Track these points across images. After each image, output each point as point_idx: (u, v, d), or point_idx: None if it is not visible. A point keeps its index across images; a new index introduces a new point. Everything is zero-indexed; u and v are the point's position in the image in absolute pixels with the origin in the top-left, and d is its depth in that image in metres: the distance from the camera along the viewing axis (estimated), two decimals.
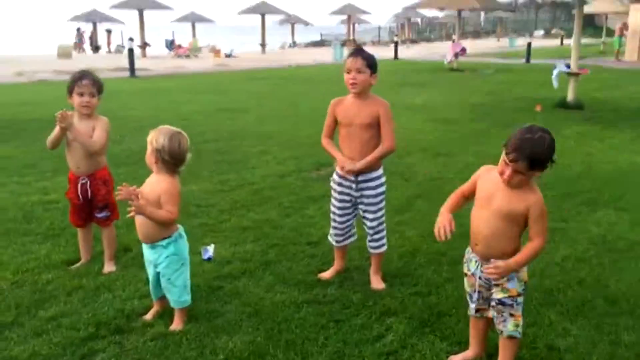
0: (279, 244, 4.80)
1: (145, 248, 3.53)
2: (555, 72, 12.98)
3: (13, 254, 4.54)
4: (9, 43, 46.99)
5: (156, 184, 3.35)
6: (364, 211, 4.03)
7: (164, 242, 3.41)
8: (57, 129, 4.04)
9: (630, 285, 4.08)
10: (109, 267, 4.29)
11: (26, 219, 5.33)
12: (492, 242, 2.86)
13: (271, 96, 14.52)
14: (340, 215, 4.10)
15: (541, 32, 57.89)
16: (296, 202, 5.89)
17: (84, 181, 4.19)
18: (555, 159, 2.77)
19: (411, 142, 8.54)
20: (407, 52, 34.36)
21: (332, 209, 4.13)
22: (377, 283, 4.08)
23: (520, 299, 2.92)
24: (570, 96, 12.60)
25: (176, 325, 3.51)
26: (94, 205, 4.25)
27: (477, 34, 58.17)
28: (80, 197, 4.21)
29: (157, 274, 3.51)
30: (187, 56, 31.07)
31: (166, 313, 3.62)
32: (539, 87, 15.78)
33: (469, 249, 3.05)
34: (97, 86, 4.11)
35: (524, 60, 26.24)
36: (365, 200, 3.99)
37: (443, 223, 2.90)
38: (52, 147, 4.18)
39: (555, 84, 13.06)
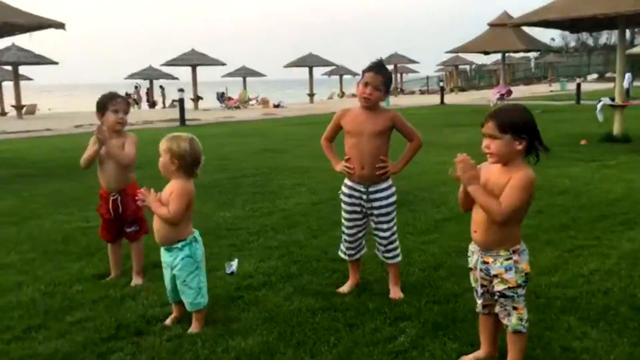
0: (302, 260, 4.87)
1: (162, 252, 3.68)
2: (599, 105, 12.78)
3: (48, 270, 4.78)
4: (71, 100, 49.66)
5: (170, 187, 3.52)
6: (377, 222, 4.07)
7: (179, 245, 3.56)
8: (91, 147, 4.31)
9: None
10: (136, 280, 4.45)
11: (65, 242, 5.60)
12: (487, 228, 2.86)
13: (312, 139, 14.67)
14: (350, 228, 4.14)
15: (595, 76, 56.93)
16: (325, 225, 5.96)
17: (114, 197, 4.41)
18: (548, 148, 2.80)
19: (445, 174, 8.48)
20: (455, 98, 34.41)
21: (343, 222, 4.18)
22: (395, 293, 4.07)
23: (520, 291, 2.88)
24: (616, 130, 12.34)
25: (194, 328, 3.60)
26: (124, 219, 4.45)
27: (528, 80, 57.72)
28: (112, 212, 4.43)
29: (173, 277, 3.63)
30: (237, 107, 32.06)
31: (185, 319, 3.72)
32: (586, 124, 15.48)
33: (472, 242, 3.05)
34: (129, 105, 4.41)
35: (574, 101, 25.86)
36: (376, 212, 4.02)
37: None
38: (86, 166, 4.42)
39: (600, 117, 12.84)
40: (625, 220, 5.87)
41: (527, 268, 2.90)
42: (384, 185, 4.02)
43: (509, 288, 2.87)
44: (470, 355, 3.16)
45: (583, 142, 11.95)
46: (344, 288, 4.20)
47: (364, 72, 3.96)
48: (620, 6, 10.56)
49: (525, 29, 22.16)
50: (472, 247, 3.04)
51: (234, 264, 4.66)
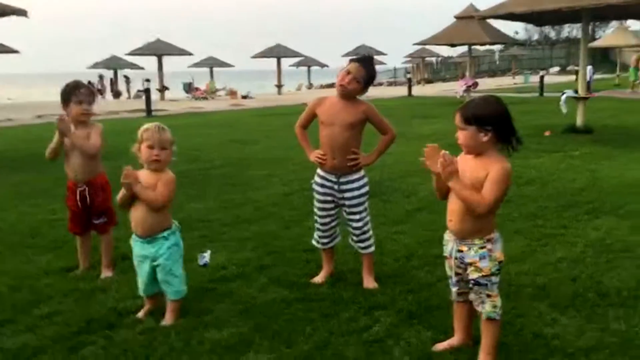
0: (276, 251, 4.85)
1: (139, 245, 3.60)
2: (563, 97, 13.06)
3: (15, 263, 4.67)
4: (32, 90, 48.49)
5: (153, 177, 3.50)
6: (349, 213, 4.08)
7: (165, 234, 3.55)
8: (55, 138, 4.20)
9: (623, 281, 4.05)
10: (106, 273, 4.37)
11: (32, 234, 5.47)
12: (462, 217, 2.90)
13: (282, 130, 14.67)
14: (322, 217, 4.15)
15: (557, 68, 57.99)
16: (297, 216, 5.96)
17: (82, 188, 4.32)
18: (519, 137, 2.85)
19: (415, 165, 8.58)
20: (422, 90, 34.65)
21: (315, 211, 4.19)
22: (369, 282, 4.09)
23: (494, 279, 2.93)
24: (579, 121, 12.59)
25: (168, 320, 3.56)
26: (92, 211, 4.36)
27: (492, 73, 58.45)
28: (79, 204, 4.33)
29: (152, 270, 3.58)
30: (205, 98, 31.71)
31: (157, 311, 3.67)
32: (550, 116, 15.74)
33: (447, 231, 3.08)
34: (93, 95, 4.29)
35: (537, 94, 26.30)
36: (348, 202, 4.04)
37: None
38: (51, 157, 4.32)
39: (563, 109, 13.10)
40: (590, 209, 6.00)
41: (501, 257, 2.95)
42: (355, 176, 4.03)
43: (483, 276, 2.91)
44: (445, 343, 3.20)
45: (547, 133, 12.16)
46: (318, 278, 4.21)
47: (350, 60, 3.96)
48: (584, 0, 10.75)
49: (491, 22, 22.43)
50: (447, 235, 3.07)
51: (207, 256, 4.62)
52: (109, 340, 3.34)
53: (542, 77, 27.63)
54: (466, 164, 2.89)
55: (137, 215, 3.55)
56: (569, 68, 55.06)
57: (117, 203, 3.62)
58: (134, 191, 3.44)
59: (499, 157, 2.86)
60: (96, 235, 4.53)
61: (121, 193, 3.52)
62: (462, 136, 2.88)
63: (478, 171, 2.84)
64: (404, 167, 8.36)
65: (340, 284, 4.10)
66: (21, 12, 10.37)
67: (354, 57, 4.04)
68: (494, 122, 2.82)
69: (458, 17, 22.24)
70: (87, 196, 4.32)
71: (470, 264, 2.93)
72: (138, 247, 3.63)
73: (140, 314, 3.68)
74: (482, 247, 2.90)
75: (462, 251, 2.96)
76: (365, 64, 3.93)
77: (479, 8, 19.54)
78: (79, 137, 4.21)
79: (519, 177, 7.58)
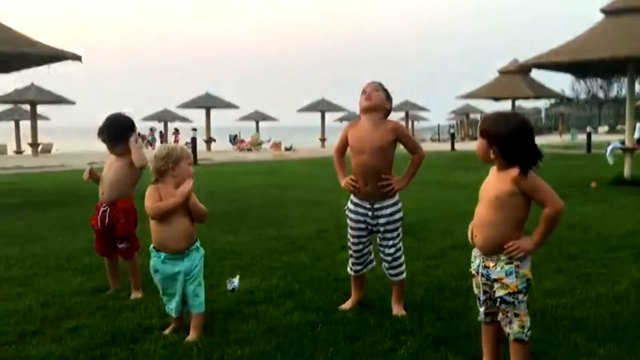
0: (305, 279, 4.80)
1: (171, 263, 3.60)
2: (609, 148, 12.77)
3: (48, 283, 4.76)
4: (83, 142, 50.50)
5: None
6: (382, 239, 4.02)
7: (197, 244, 3.66)
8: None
9: None
10: (135, 295, 4.40)
11: (68, 260, 5.59)
12: (484, 231, 2.84)
13: (321, 178, 14.77)
14: (356, 244, 4.09)
15: (605, 128, 57.08)
16: (330, 251, 5.91)
17: (104, 208, 4.42)
18: (538, 154, 2.78)
19: (452, 209, 8.48)
20: (465, 145, 34.49)
21: (349, 237, 4.14)
22: (398, 310, 3.99)
23: (521, 297, 2.81)
24: (626, 172, 12.26)
25: (192, 337, 3.53)
26: (115, 235, 4.42)
27: (538, 130, 57.94)
28: (99, 223, 4.42)
29: (182, 286, 3.59)
30: (249, 150, 32.33)
31: (183, 330, 3.65)
32: (597, 170, 15.38)
33: (475, 248, 3.01)
34: (114, 139, 4.47)
35: (584, 151, 25.81)
36: (382, 228, 3.98)
37: None
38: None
39: (610, 160, 12.80)
40: (636, 252, 5.75)
41: (529, 274, 2.84)
42: (389, 202, 3.98)
43: (510, 293, 2.80)
44: None
45: (593, 184, 11.85)
46: (346, 305, 4.13)
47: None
48: (628, 49, 10.65)
49: (536, 78, 22.41)
50: (475, 251, 2.99)
51: (236, 281, 4.58)
52: (132, 352, 3.34)
53: (589, 134, 27.15)
54: (487, 183, 2.91)
55: (175, 230, 3.57)
56: (618, 127, 54.12)
57: (161, 208, 3.57)
58: (190, 202, 3.59)
59: (510, 171, 2.79)
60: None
61: (174, 202, 3.56)
62: (477, 145, 2.91)
63: (498, 186, 2.84)
64: (441, 210, 8.29)
65: (368, 311, 4.02)
66: (75, 57, 10.92)
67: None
68: (498, 141, 2.78)
69: (502, 72, 22.29)
70: (107, 217, 4.39)
71: (497, 280, 2.83)
72: (169, 266, 3.60)
73: (167, 331, 3.67)
74: (508, 263, 2.81)
75: (488, 267, 2.87)
76: (377, 83, 3.98)
77: None
78: (135, 153, 4.40)
79: (562, 222, 7.35)
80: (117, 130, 4.48)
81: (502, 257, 2.81)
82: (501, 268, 2.82)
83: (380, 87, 3.96)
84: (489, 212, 2.84)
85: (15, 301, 4.27)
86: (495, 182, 2.84)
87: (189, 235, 3.61)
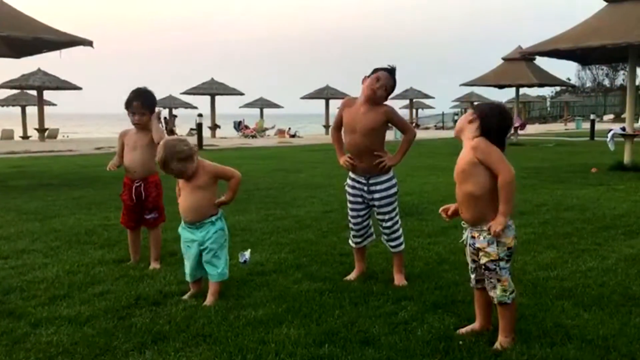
0: (312, 254, 5.10)
1: (188, 231, 3.96)
2: (610, 134, 12.96)
3: (71, 255, 5.08)
4: (95, 127, 50.82)
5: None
6: (379, 212, 4.30)
7: (213, 219, 3.92)
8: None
9: None
10: (154, 265, 4.71)
11: (88, 234, 5.90)
12: (466, 205, 3.16)
13: (326, 162, 15.06)
14: (354, 217, 4.38)
15: (611, 116, 56.97)
16: (335, 228, 6.20)
17: (138, 184, 4.71)
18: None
19: (454, 192, 8.73)
20: None
21: (348, 211, 4.43)
22: (399, 280, 4.28)
23: (503, 264, 3.09)
24: (627, 158, 12.47)
25: (209, 301, 3.84)
26: (145, 206, 4.73)
27: (543, 119, 57.96)
28: (134, 198, 4.72)
29: (199, 254, 3.91)
30: (254, 136, 32.58)
31: (199, 296, 3.96)
32: (598, 156, 15.61)
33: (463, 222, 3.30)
34: (147, 106, 4.72)
35: (588, 138, 25.98)
36: (377, 202, 4.26)
37: None
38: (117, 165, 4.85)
39: (611, 146, 13.00)
40: (627, 231, 6.03)
41: (511, 243, 3.10)
42: (384, 177, 4.25)
43: (492, 261, 3.08)
44: (467, 327, 3.36)
45: (594, 170, 12.08)
46: (351, 276, 4.42)
47: (378, 69, 4.17)
48: (629, 37, 10.84)
49: (540, 65, 22.53)
50: (464, 224, 3.27)
51: (247, 254, 4.86)
52: (155, 313, 3.64)
53: (592, 121, 27.26)
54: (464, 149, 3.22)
55: (186, 204, 3.90)
56: (623, 115, 53.97)
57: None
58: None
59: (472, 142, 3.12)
60: (145, 233, 4.88)
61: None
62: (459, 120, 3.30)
63: (465, 157, 3.16)
64: (443, 193, 8.49)
65: (371, 281, 4.31)
66: (87, 43, 11.16)
67: (381, 67, 4.21)
68: (482, 115, 3.12)
69: (505, 59, 22.43)
70: (142, 192, 4.70)
71: (480, 249, 3.12)
72: (187, 233, 3.97)
73: (185, 297, 3.97)
74: (490, 233, 3.08)
75: (474, 237, 3.16)
76: (393, 74, 4.18)
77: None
78: (156, 129, 4.69)
79: (559, 204, 7.63)
80: (152, 99, 4.81)
81: (484, 228, 3.09)
82: (484, 238, 3.10)
83: (393, 86, 4.19)
84: (462, 187, 3.17)
85: (42, 270, 4.58)
86: (461, 157, 3.16)
87: (197, 209, 3.90)
